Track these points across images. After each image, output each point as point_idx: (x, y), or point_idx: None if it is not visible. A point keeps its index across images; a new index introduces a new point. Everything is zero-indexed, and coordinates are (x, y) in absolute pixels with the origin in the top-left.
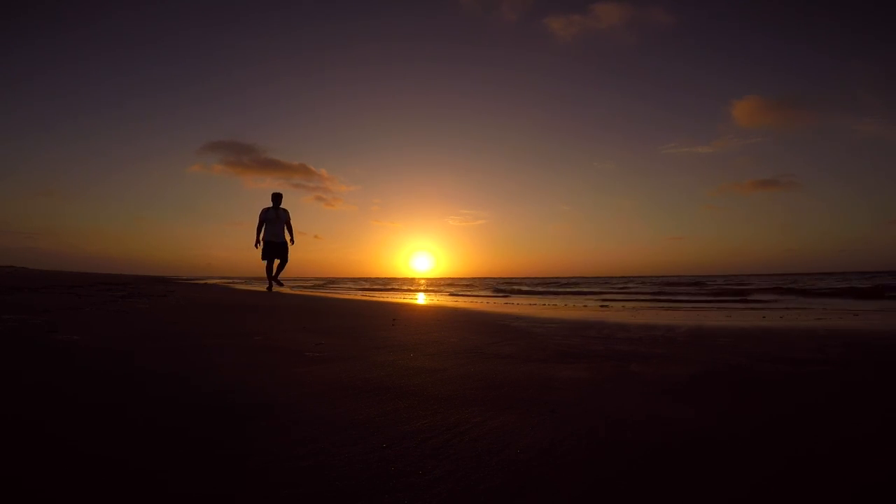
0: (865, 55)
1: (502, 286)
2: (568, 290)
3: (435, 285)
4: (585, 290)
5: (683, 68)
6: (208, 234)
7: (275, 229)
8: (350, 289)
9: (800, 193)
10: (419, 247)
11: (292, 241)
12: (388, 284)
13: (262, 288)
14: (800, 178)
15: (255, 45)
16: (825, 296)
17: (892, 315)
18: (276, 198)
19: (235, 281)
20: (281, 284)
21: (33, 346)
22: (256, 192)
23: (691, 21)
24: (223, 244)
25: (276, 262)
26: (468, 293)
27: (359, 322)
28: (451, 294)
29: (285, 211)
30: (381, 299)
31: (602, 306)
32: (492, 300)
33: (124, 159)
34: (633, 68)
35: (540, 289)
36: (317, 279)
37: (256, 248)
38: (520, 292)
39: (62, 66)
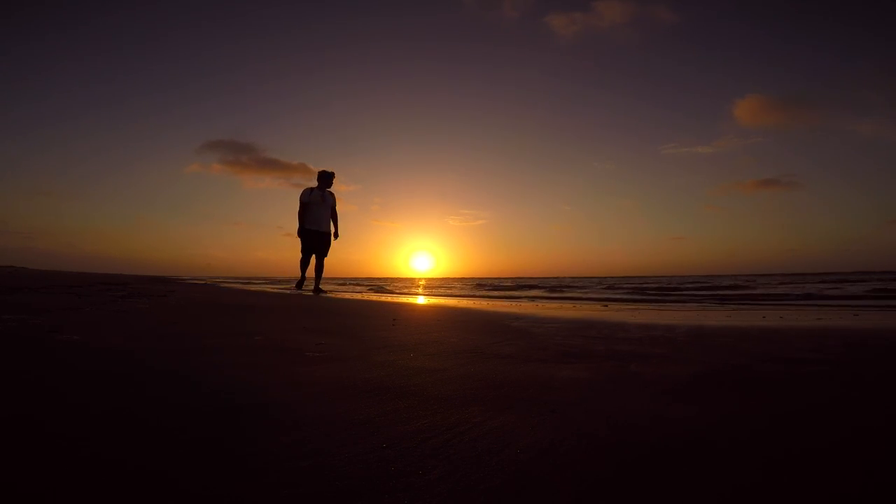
0: (869, 54)
1: (502, 286)
2: (566, 289)
3: (435, 285)
4: (575, 291)
5: (686, 67)
6: (207, 234)
7: (318, 215)
8: (350, 289)
9: (801, 193)
10: (419, 247)
11: (336, 234)
12: (389, 284)
13: (260, 288)
14: (801, 178)
15: (253, 43)
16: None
17: (887, 315)
18: (326, 177)
19: (235, 281)
20: (323, 292)
21: (33, 347)
22: (256, 191)
23: (695, 19)
24: (222, 244)
25: (314, 258)
26: (468, 293)
27: (359, 322)
28: (451, 294)
29: (332, 195)
30: (381, 299)
31: (603, 306)
32: (491, 300)
33: (123, 159)
34: (634, 67)
35: (541, 289)
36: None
37: (300, 236)
38: (520, 293)
39: (60, 66)
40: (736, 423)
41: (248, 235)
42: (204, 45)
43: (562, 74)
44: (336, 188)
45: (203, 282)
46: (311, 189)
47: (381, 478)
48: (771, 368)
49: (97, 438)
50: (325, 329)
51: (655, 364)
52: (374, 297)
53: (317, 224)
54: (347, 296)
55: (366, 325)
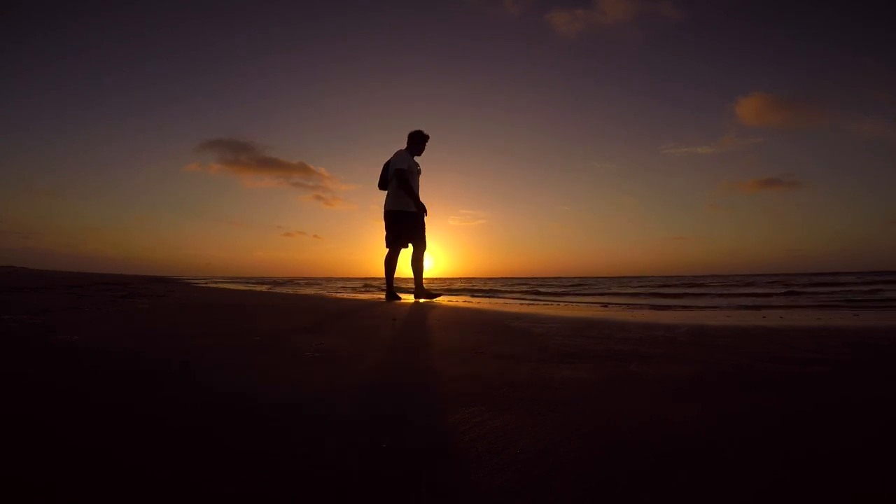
0: (874, 52)
1: (502, 286)
2: (567, 289)
3: (435, 285)
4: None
5: (688, 65)
6: (207, 233)
7: (418, 190)
8: (350, 289)
9: (804, 193)
10: None
11: (424, 210)
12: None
13: (261, 287)
14: (804, 178)
15: (252, 39)
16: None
17: (884, 315)
18: (421, 139)
19: (235, 281)
20: (434, 295)
21: (33, 347)
22: (255, 191)
23: (699, 17)
24: (222, 244)
25: (406, 249)
26: (468, 293)
27: (359, 322)
28: (451, 294)
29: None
30: (382, 299)
31: (602, 306)
32: (491, 300)
33: (122, 158)
34: (638, 65)
35: (541, 289)
36: (310, 278)
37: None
38: (521, 292)
39: (57, 64)
40: (740, 424)
41: (248, 235)
42: (202, 42)
43: (563, 72)
44: (336, 187)
45: (203, 282)
46: (403, 152)
47: (382, 478)
48: (773, 368)
49: (97, 438)
50: (324, 329)
51: (656, 364)
52: (375, 296)
53: (408, 205)
54: (348, 296)
55: (366, 324)
